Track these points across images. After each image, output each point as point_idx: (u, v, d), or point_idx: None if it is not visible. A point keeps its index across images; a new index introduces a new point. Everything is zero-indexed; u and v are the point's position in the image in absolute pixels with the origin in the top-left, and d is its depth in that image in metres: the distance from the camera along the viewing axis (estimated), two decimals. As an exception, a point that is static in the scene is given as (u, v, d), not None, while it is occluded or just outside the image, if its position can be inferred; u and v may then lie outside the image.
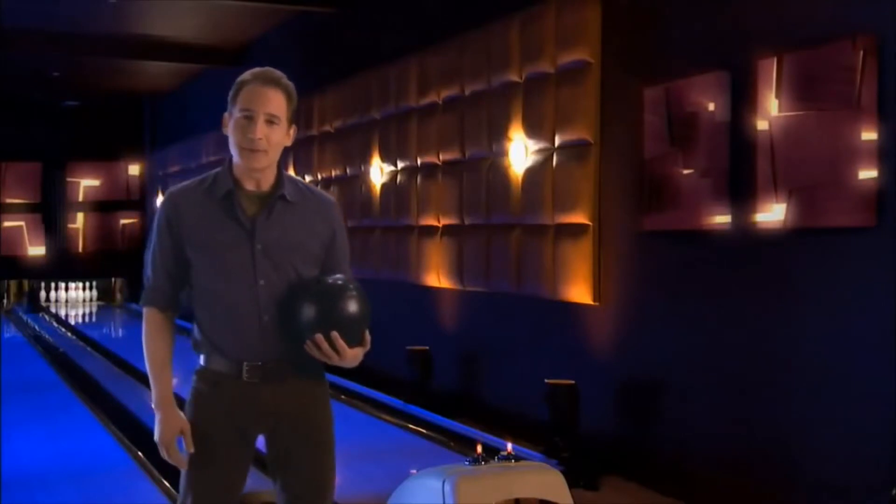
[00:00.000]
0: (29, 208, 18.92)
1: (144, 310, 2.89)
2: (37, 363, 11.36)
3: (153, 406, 2.81)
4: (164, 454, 2.79)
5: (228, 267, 2.78)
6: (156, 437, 2.79)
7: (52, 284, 19.10)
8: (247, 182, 2.84)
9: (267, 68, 2.85)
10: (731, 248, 5.21)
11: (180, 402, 2.86)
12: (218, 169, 2.89)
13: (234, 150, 2.82)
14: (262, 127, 2.76)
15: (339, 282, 2.80)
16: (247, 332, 2.78)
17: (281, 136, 2.82)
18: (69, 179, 19.25)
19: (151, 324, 2.88)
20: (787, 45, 4.81)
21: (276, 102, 2.79)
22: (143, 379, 9.63)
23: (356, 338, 2.79)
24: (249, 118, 2.77)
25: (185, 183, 2.94)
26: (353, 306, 2.76)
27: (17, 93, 17.63)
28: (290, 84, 2.85)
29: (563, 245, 6.47)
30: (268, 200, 2.83)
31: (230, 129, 2.82)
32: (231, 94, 2.83)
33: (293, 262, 2.83)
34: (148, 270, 2.89)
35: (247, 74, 2.83)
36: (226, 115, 2.84)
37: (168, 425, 2.78)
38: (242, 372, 2.80)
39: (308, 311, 2.74)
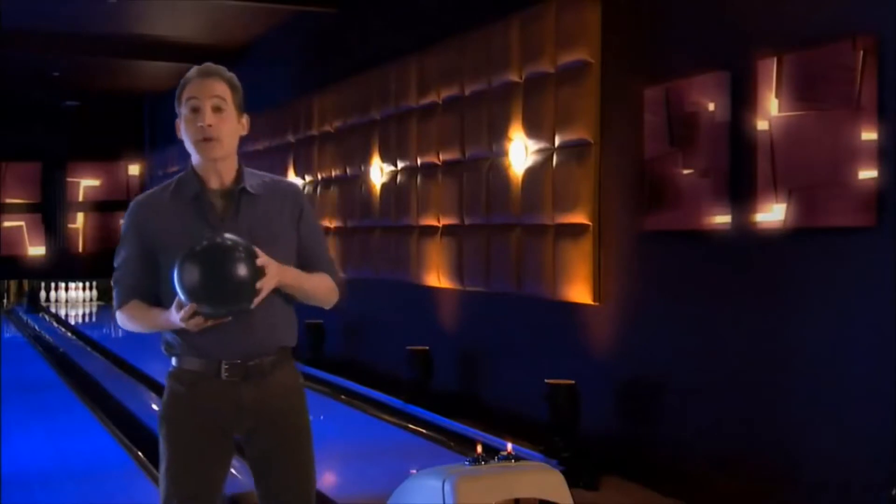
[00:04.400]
0: (29, 208, 18.93)
1: (120, 310, 2.90)
2: (37, 363, 11.36)
3: (172, 322, 2.74)
4: (185, 317, 2.69)
5: None
6: (178, 322, 2.72)
7: (52, 284, 19.10)
8: (211, 180, 2.83)
9: (206, 63, 2.88)
10: (731, 248, 5.21)
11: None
12: (182, 173, 2.89)
13: (190, 149, 2.83)
14: (210, 115, 2.78)
15: (229, 242, 2.68)
16: (227, 330, 2.76)
17: (232, 124, 2.82)
18: (69, 179, 19.26)
19: (127, 308, 2.88)
20: (787, 45, 4.81)
21: (220, 89, 2.80)
22: (143, 379, 9.65)
23: (247, 299, 2.68)
24: (196, 109, 2.78)
25: (150, 190, 2.95)
26: (241, 269, 2.64)
27: (17, 93, 17.63)
28: (233, 75, 2.87)
29: (563, 245, 6.47)
30: (232, 196, 2.83)
31: (182, 130, 2.83)
32: (176, 96, 2.84)
33: (270, 254, 2.80)
34: (118, 276, 2.90)
35: (187, 74, 2.86)
36: (176, 121, 2.85)
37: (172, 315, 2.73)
38: (221, 371, 2.78)
39: (192, 275, 2.63)
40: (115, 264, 2.92)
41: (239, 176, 2.85)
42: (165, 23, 12.40)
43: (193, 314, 2.68)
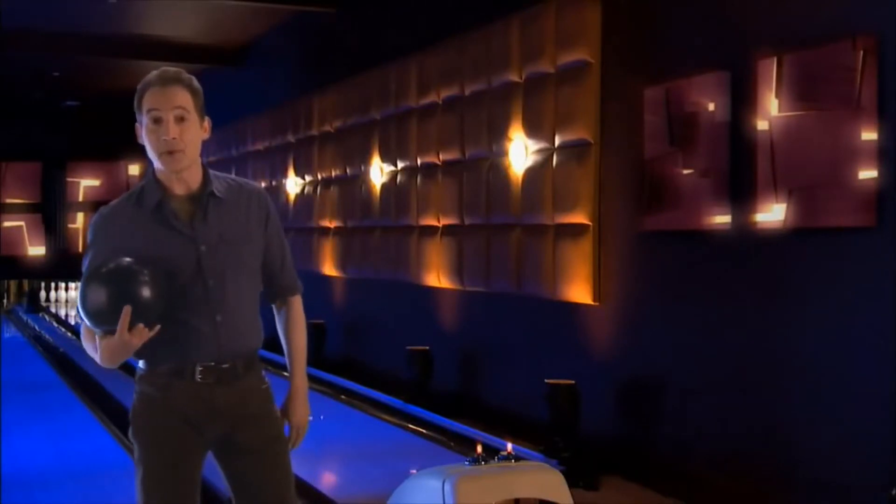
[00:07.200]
0: (29, 208, 18.93)
1: (83, 337, 2.83)
2: (37, 363, 11.38)
3: (115, 349, 2.64)
4: (126, 336, 2.61)
5: (177, 274, 2.72)
6: (121, 344, 2.63)
7: (52, 284, 19.11)
8: (175, 186, 2.79)
9: (164, 68, 2.82)
10: (731, 248, 5.21)
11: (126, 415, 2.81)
12: (143, 181, 2.85)
13: (152, 157, 2.78)
14: (173, 126, 2.72)
15: (133, 266, 2.65)
16: (200, 333, 2.75)
17: (195, 131, 2.77)
18: (69, 179, 19.25)
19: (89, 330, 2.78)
20: (787, 45, 4.81)
21: (182, 98, 2.74)
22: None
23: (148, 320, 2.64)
24: (158, 120, 2.72)
25: (113, 202, 2.89)
26: (146, 291, 2.61)
27: (17, 93, 17.62)
28: (192, 78, 2.81)
29: (563, 245, 6.47)
30: (200, 200, 2.80)
31: (144, 139, 2.77)
32: (135, 102, 2.77)
33: (240, 256, 2.79)
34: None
35: (145, 79, 2.79)
36: (136, 125, 2.79)
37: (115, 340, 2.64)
38: (195, 373, 2.76)
39: (99, 295, 2.60)
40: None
41: (205, 180, 2.82)
42: (165, 23, 12.39)
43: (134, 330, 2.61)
